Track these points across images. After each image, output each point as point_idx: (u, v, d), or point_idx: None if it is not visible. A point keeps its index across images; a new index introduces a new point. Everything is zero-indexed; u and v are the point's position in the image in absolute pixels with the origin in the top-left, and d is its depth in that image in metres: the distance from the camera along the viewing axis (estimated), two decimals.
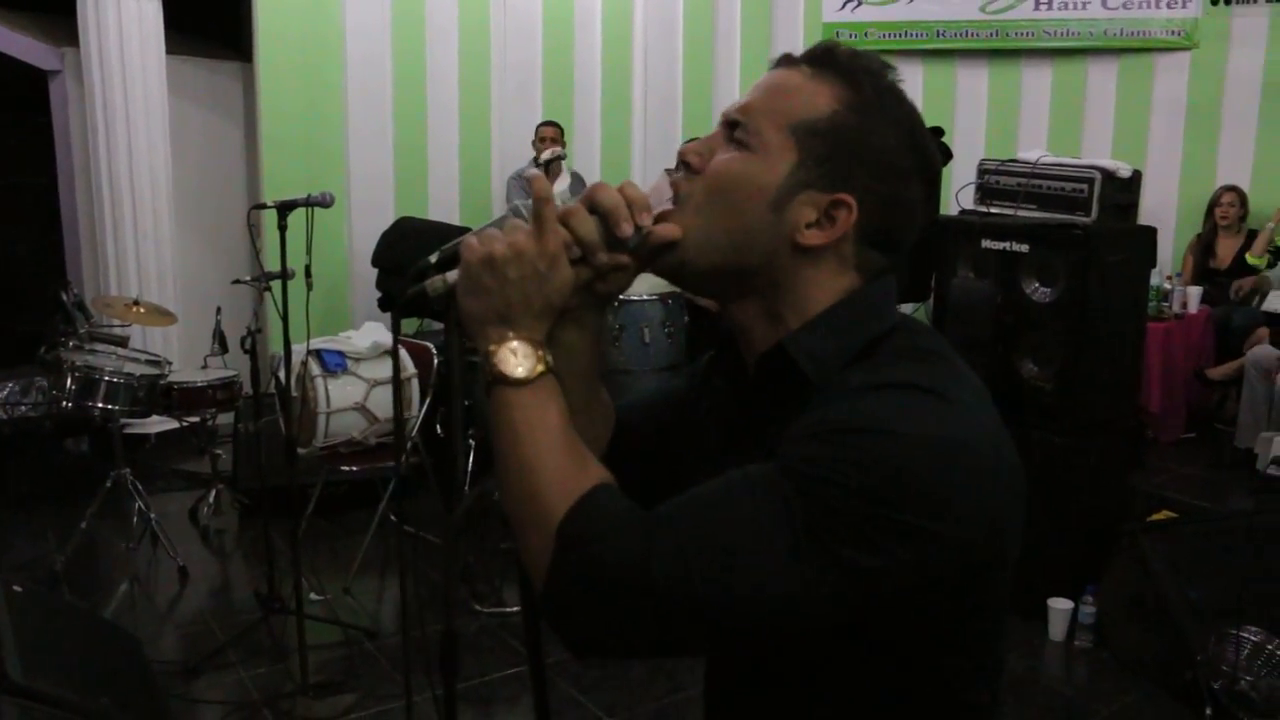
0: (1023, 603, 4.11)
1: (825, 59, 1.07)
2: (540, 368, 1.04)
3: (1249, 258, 6.15)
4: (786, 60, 1.09)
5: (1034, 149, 4.59)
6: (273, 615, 3.85)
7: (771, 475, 0.95)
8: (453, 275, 1.09)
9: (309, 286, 3.49)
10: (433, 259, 1.99)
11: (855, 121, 1.04)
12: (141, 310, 4.77)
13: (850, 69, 1.06)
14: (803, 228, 1.04)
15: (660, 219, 1.06)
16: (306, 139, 6.39)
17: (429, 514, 4.71)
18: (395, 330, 1.75)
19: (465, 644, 3.97)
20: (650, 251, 1.07)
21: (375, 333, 4.55)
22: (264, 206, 3.56)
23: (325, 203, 3.41)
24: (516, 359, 1.04)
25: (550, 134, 6.34)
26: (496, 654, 3.85)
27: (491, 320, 1.05)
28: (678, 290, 4.67)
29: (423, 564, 4.55)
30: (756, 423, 1.09)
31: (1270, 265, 6.13)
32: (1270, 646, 3.24)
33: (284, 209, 3.38)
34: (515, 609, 4.17)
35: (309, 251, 3.45)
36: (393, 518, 4.71)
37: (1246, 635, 3.25)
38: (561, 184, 5.26)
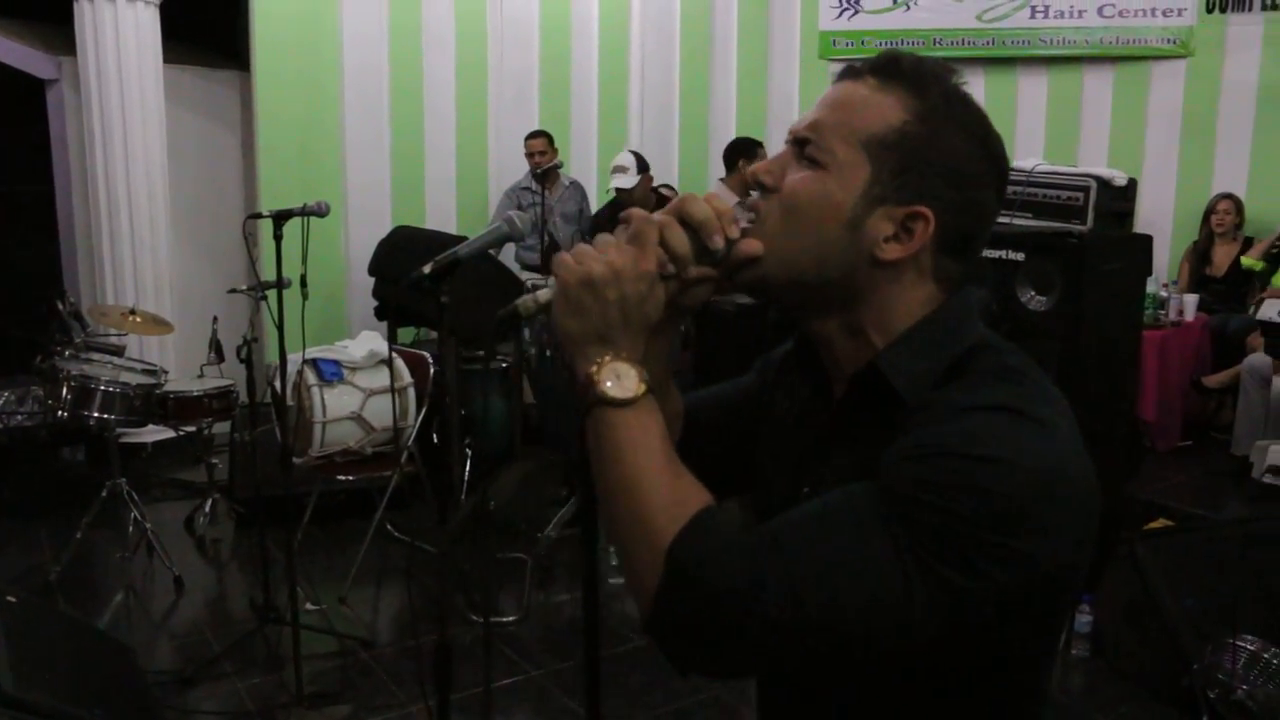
0: None
1: (891, 68, 1.06)
2: (642, 387, 1.04)
3: (1244, 260, 6.16)
4: (851, 72, 1.09)
5: (1030, 157, 4.58)
6: (268, 625, 3.83)
7: (876, 496, 0.96)
8: (544, 294, 1.08)
9: (304, 296, 3.49)
10: (426, 269, 2.01)
11: (926, 131, 1.04)
12: (138, 319, 4.76)
13: (917, 77, 1.06)
14: (881, 242, 1.05)
15: (742, 236, 1.07)
16: (303, 148, 6.40)
17: (425, 523, 4.70)
18: (390, 336, 1.76)
19: (461, 654, 3.96)
20: (733, 266, 1.07)
21: (371, 342, 4.55)
22: (259, 216, 3.56)
23: (320, 212, 3.41)
24: (619, 380, 1.03)
25: (538, 146, 6.36)
26: (491, 663, 3.83)
27: (592, 340, 1.05)
28: None
29: (419, 573, 4.54)
30: (846, 435, 1.10)
31: (1270, 270, 6.12)
32: (1267, 655, 3.23)
33: (279, 219, 3.38)
34: (511, 619, 4.17)
35: (304, 261, 3.45)
36: (389, 527, 4.71)
37: (1243, 644, 3.24)
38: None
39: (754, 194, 1.10)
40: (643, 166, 5.60)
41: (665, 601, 0.99)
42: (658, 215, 1.07)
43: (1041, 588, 0.98)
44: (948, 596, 0.94)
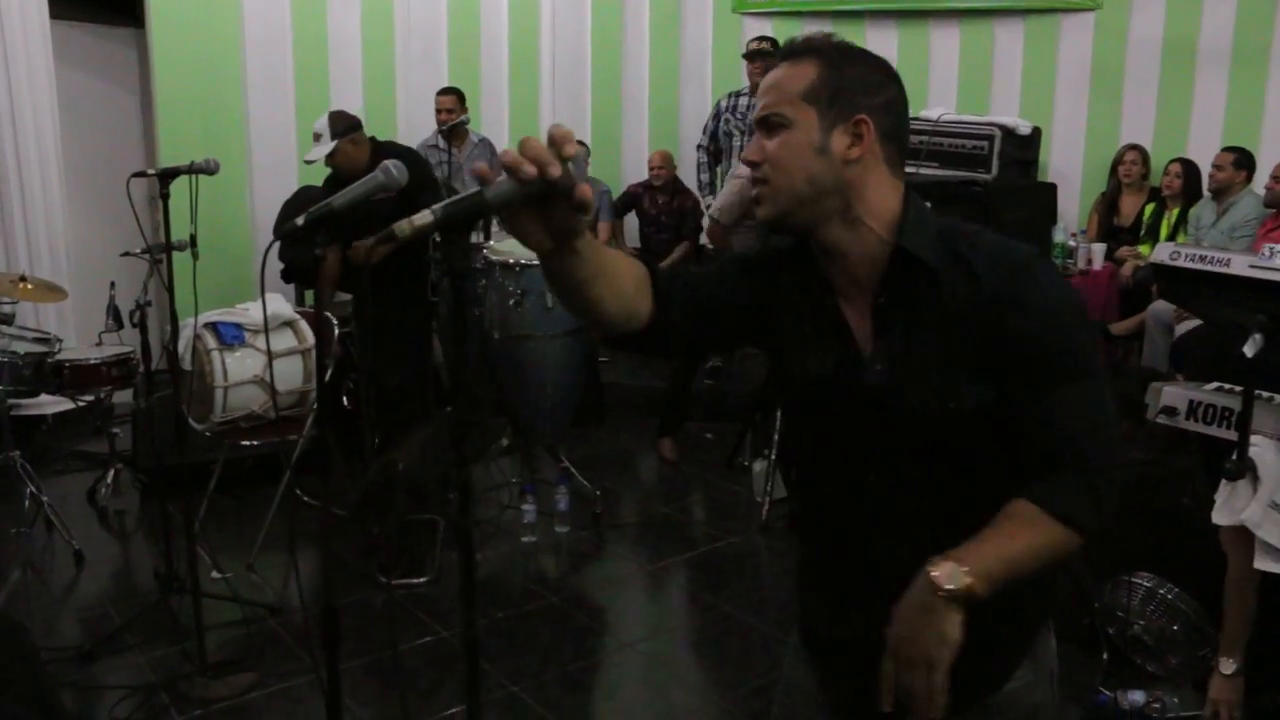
0: None
1: (791, 48, 1.49)
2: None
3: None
4: (773, 67, 1.51)
5: (939, 108, 4.60)
6: (171, 596, 3.75)
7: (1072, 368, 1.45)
8: (419, 218, 1.20)
9: (195, 257, 3.38)
10: (299, 220, 1.94)
11: (834, 71, 1.45)
12: (29, 286, 4.59)
13: (809, 45, 1.48)
14: (845, 149, 1.44)
15: (756, 200, 1.50)
16: (203, 107, 6.22)
17: (336, 488, 4.63)
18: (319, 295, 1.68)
19: (372, 616, 3.92)
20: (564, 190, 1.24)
21: (274, 304, 4.42)
22: (144, 175, 3.44)
23: (209, 169, 3.30)
24: None
25: (448, 103, 6.24)
26: (404, 626, 3.80)
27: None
28: None
29: (330, 538, 4.47)
30: (892, 308, 1.48)
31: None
32: (1161, 591, 3.30)
33: (165, 177, 3.27)
34: (422, 580, 4.13)
35: (194, 220, 3.34)
36: (298, 492, 4.62)
37: (1139, 581, 3.31)
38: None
39: (755, 173, 1.49)
40: (349, 128, 4.66)
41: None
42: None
43: None
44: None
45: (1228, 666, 2.99)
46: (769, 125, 1.46)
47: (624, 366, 6.90)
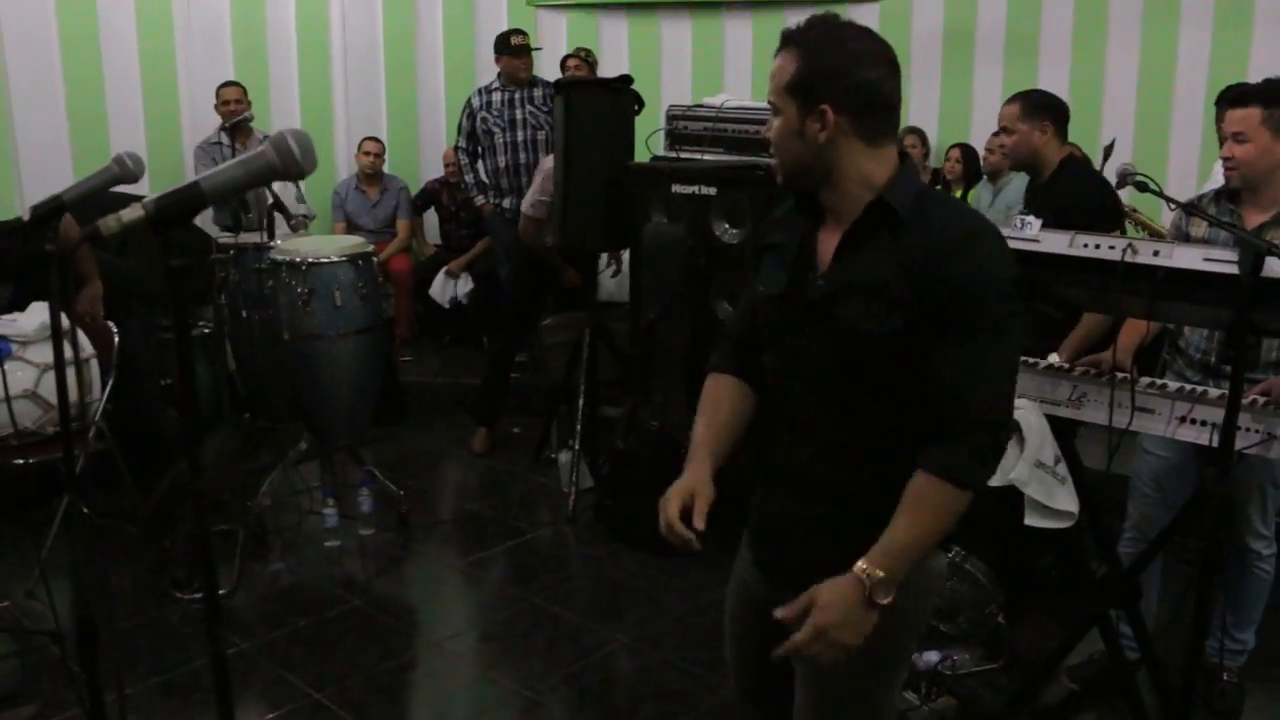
0: (734, 538, 4.24)
1: (786, 36, 1.76)
2: None
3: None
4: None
5: (726, 95, 4.68)
6: None
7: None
8: (127, 213, 1.22)
9: None
10: (25, 216, 1.84)
11: (808, 65, 1.71)
12: None
13: (799, 35, 1.74)
14: (817, 134, 1.72)
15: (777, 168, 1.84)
16: None
17: (122, 503, 4.41)
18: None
19: (167, 633, 3.75)
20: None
21: (44, 313, 4.18)
22: None
23: None
24: None
25: (232, 95, 6.03)
26: (201, 641, 3.65)
27: None
28: (368, 250, 4.54)
29: (119, 556, 4.26)
30: (853, 245, 1.75)
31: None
32: (949, 555, 3.44)
33: None
34: (221, 591, 3.97)
35: None
36: (84, 510, 4.37)
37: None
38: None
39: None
40: None
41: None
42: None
43: None
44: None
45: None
46: (772, 108, 1.78)
47: (427, 365, 6.82)
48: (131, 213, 1.07)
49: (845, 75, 1.69)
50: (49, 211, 1.79)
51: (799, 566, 1.79)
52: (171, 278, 1.26)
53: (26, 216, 1.78)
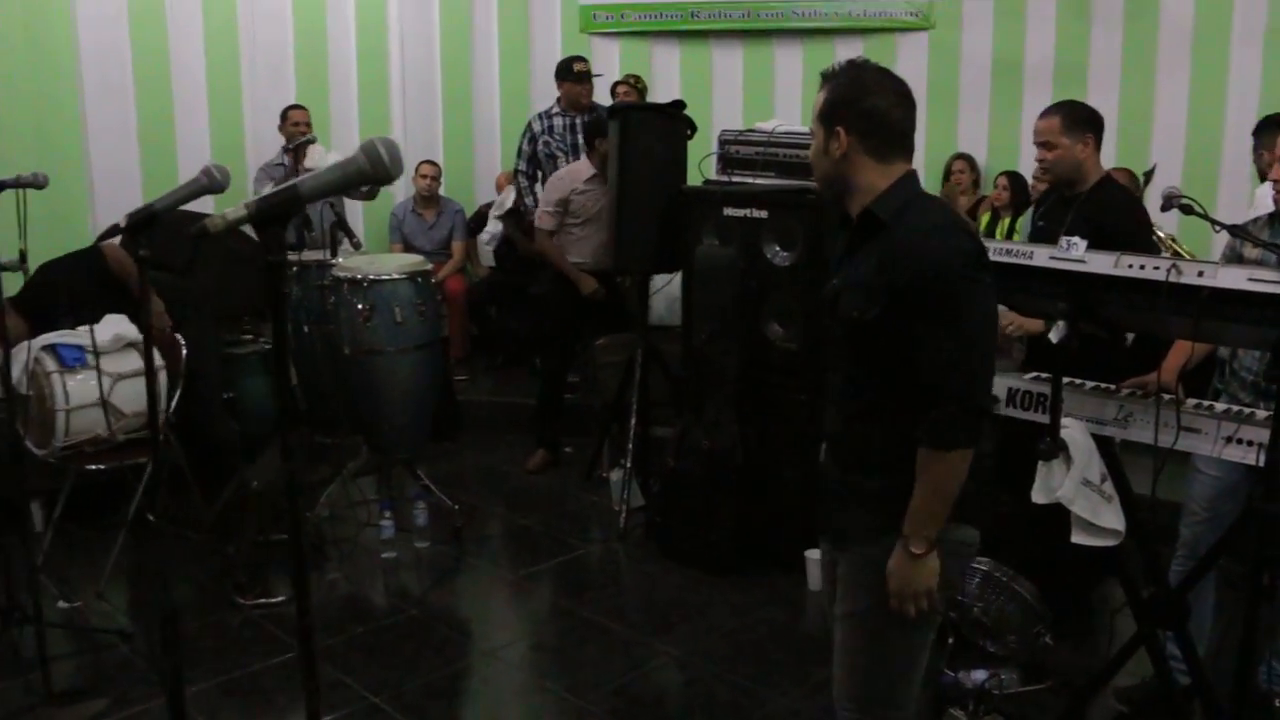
0: (783, 556, 4.30)
1: (824, 75, 2.14)
2: None
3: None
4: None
5: (782, 121, 4.76)
6: (13, 628, 3.63)
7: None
8: (232, 212, 1.30)
9: (25, 274, 3.31)
10: (120, 222, 1.96)
11: (832, 93, 2.10)
12: None
13: (831, 74, 2.13)
14: (835, 151, 2.09)
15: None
16: (39, 132, 6.05)
17: (189, 510, 4.54)
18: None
19: (229, 636, 3.86)
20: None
21: (117, 325, 4.33)
22: None
23: (37, 184, 3.23)
24: None
25: (300, 117, 6.20)
26: (261, 645, 3.76)
27: None
28: (428, 268, 4.66)
29: (183, 561, 4.39)
30: (855, 249, 2.13)
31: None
32: (997, 574, 3.47)
33: None
34: (279, 599, 4.08)
35: (23, 235, 3.26)
36: (150, 516, 4.51)
37: (977, 566, 3.47)
38: (316, 156, 5.06)
39: None
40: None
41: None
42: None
43: None
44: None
45: None
46: (812, 134, 2.15)
47: (480, 385, 6.92)
48: (235, 211, 1.20)
49: (856, 102, 2.06)
50: (143, 220, 1.90)
51: (832, 526, 2.28)
52: (270, 272, 1.37)
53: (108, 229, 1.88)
